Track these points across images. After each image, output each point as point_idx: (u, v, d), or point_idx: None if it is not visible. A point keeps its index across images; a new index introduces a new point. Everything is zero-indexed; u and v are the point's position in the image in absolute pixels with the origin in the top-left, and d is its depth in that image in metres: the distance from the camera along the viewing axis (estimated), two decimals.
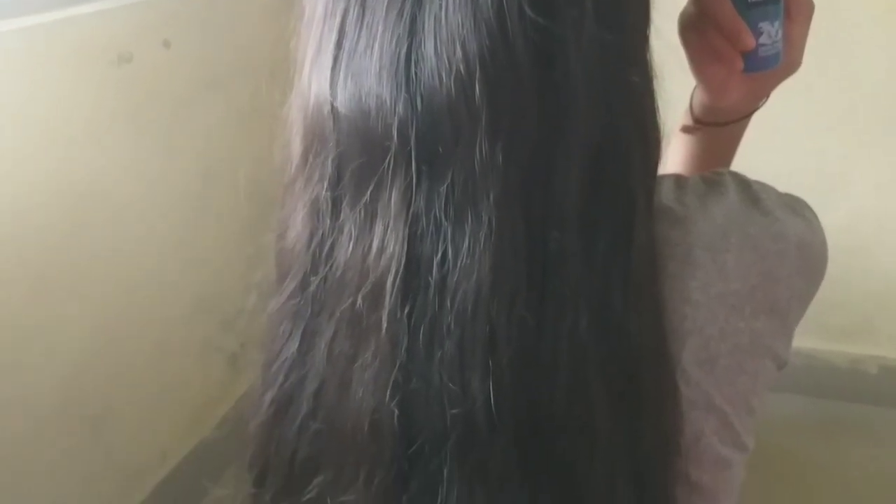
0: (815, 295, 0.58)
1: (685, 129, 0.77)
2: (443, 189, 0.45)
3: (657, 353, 0.48)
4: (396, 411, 0.46)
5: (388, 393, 0.46)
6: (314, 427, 0.51)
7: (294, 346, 0.52)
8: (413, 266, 0.46)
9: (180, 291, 1.46)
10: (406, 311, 0.46)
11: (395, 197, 0.46)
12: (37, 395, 1.19)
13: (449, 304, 0.45)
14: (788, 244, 0.53)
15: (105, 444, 1.32)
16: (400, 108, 0.45)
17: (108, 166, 1.29)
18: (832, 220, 1.65)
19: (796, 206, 0.57)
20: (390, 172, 0.46)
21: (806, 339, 1.75)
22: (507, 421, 0.45)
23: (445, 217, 0.45)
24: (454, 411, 0.45)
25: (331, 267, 0.49)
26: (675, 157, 0.78)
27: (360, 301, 0.47)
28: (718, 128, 0.73)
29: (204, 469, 1.44)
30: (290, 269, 0.53)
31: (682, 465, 0.50)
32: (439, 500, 0.47)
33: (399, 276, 0.46)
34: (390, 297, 0.46)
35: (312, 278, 0.50)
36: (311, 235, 0.50)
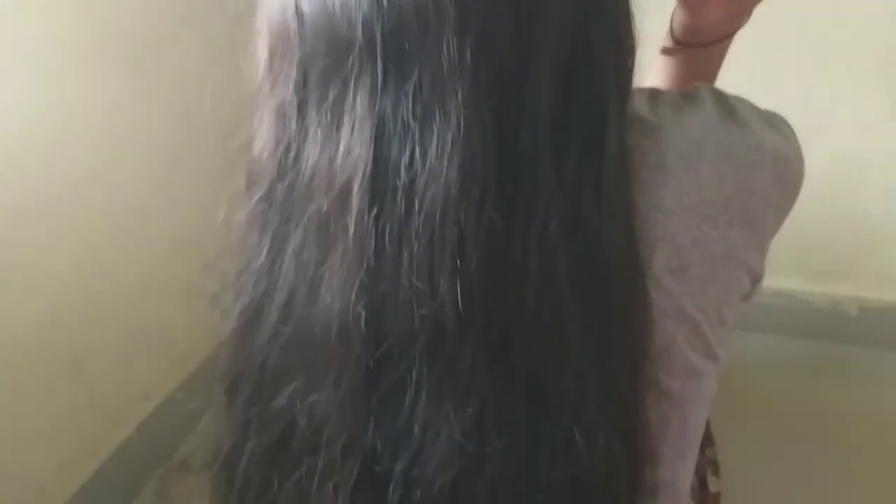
0: (790, 210, 0.58)
1: (665, 51, 0.76)
2: (410, 88, 0.44)
3: (628, 258, 0.48)
4: (364, 314, 0.46)
5: (354, 296, 0.46)
6: (284, 335, 0.51)
7: (262, 254, 0.52)
8: (380, 168, 0.45)
9: (161, 231, 1.45)
10: (373, 214, 0.46)
11: (360, 98, 0.45)
12: (15, 329, 1.18)
13: (417, 206, 0.45)
14: (764, 155, 0.53)
15: (87, 381, 1.33)
16: (365, 5, 0.44)
17: (85, 102, 1.27)
18: (817, 159, 1.65)
19: (773, 121, 0.56)
20: (356, 73, 0.45)
21: (787, 280, 1.78)
22: (475, 323, 0.45)
23: (413, 117, 0.44)
24: (423, 312, 0.45)
25: (297, 172, 0.49)
26: (655, 79, 0.77)
27: (326, 206, 0.47)
28: (699, 49, 0.72)
29: (187, 410, 1.45)
30: (258, 178, 0.52)
31: (653, 372, 0.50)
32: (407, 402, 0.47)
33: (366, 179, 0.45)
34: (357, 201, 0.46)
35: (279, 185, 0.50)
36: (278, 142, 0.49)
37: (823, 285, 1.78)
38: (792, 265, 1.77)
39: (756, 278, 0.56)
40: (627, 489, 0.49)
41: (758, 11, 0.69)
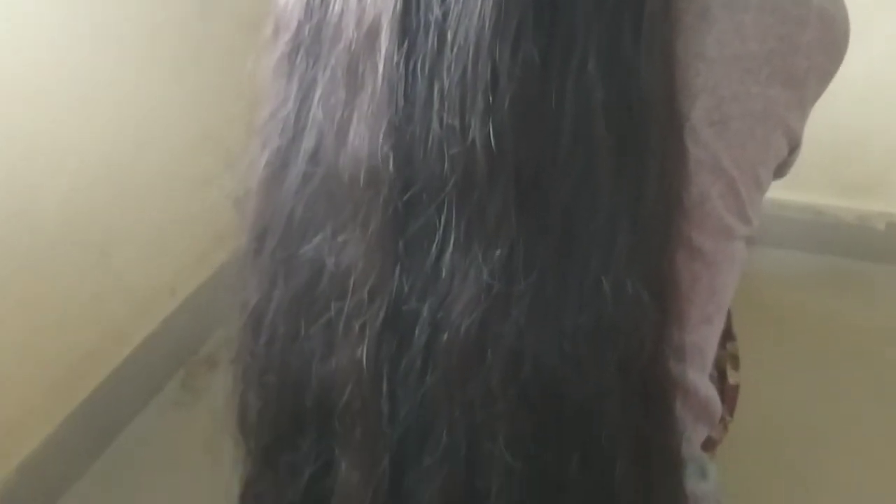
0: (834, 74, 0.56)
1: None
2: None
3: (666, 105, 0.46)
4: (392, 155, 0.45)
5: (383, 137, 0.45)
6: (312, 182, 0.50)
7: (290, 101, 0.51)
8: (411, 3, 0.44)
9: (185, 123, 1.45)
10: (403, 51, 0.44)
11: None
12: (39, 212, 1.19)
13: (449, 42, 0.43)
14: (810, 12, 0.51)
15: (113, 271, 1.34)
16: None
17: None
18: (854, 67, 1.59)
19: None
20: None
21: (814, 194, 1.75)
22: (507, 163, 0.44)
23: None
24: (453, 152, 0.44)
25: (325, 11, 0.48)
26: None
27: (355, 45, 0.46)
28: None
29: (212, 307, 1.47)
30: (285, 23, 0.51)
31: (685, 228, 0.49)
32: (435, 245, 0.47)
33: (396, 15, 0.44)
34: (387, 38, 0.45)
35: (307, 26, 0.49)
36: None
37: (851, 200, 1.75)
38: (820, 179, 1.74)
39: (794, 143, 0.54)
40: (654, 343, 0.49)
41: None
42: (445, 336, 0.47)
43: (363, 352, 0.49)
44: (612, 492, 0.51)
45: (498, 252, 0.46)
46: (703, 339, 0.57)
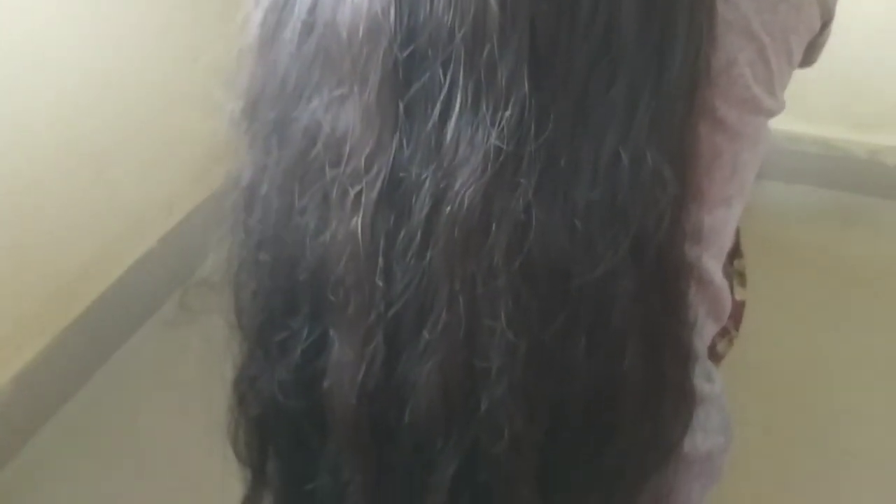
0: None
1: None
2: None
3: None
4: (394, 3, 0.42)
5: None
6: (308, 42, 0.47)
7: None
8: None
9: (178, 38, 1.40)
10: None
11: None
12: (36, 125, 1.16)
13: None
14: None
15: (110, 186, 1.32)
16: None
17: None
18: (869, 3, 1.54)
19: None
20: None
21: (825, 127, 1.71)
22: (523, 16, 0.41)
23: None
24: (463, 1, 0.41)
25: None
26: None
27: None
28: None
29: (210, 225, 1.45)
30: None
31: (710, 97, 0.47)
32: (439, 106, 0.44)
33: None
34: None
35: None
36: None
37: (863, 134, 1.72)
38: (832, 113, 1.71)
39: (827, 15, 0.51)
40: (672, 222, 0.46)
41: None
42: (448, 208, 0.45)
43: (358, 223, 0.47)
44: (620, 379, 0.49)
45: (507, 114, 0.43)
46: (720, 222, 0.55)
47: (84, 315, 1.32)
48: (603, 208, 0.45)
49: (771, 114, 0.52)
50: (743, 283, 0.98)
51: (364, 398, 0.50)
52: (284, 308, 0.55)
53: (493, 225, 0.44)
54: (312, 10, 0.47)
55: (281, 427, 0.58)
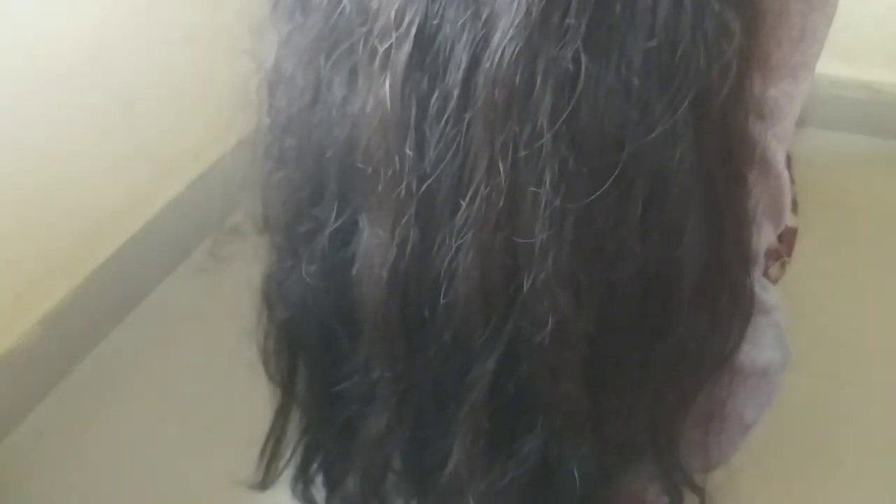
0: None
1: None
2: None
3: None
4: None
5: None
6: None
7: None
8: None
9: None
10: None
11: None
12: (59, 55, 1.13)
13: None
14: None
15: (136, 126, 1.29)
16: None
17: None
18: None
19: None
20: None
21: (873, 71, 1.63)
22: None
23: None
24: None
25: None
26: None
27: None
28: None
29: (237, 176, 1.42)
30: None
31: None
32: None
33: None
34: None
35: None
36: None
37: None
38: (879, 55, 1.63)
39: None
40: (735, 82, 0.42)
41: None
42: (487, 63, 0.41)
43: (387, 87, 0.43)
44: (676, 260, 0.45)
45: None
46: (785, 97, 0.50)
47: (113, 259, 1.30)
48: (661, 61, 0.40)
49: None
50: (794, 210, 0.93)
51: (395, 284, 0.47)
52: (311, 197, 0.51)
53: (538, 80, 0.40)
54: None
55: (309, 329, 0.55)
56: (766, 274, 0.74)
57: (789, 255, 0.87)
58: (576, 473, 0.50)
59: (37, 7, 1.09)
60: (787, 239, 0.86)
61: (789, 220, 0.91)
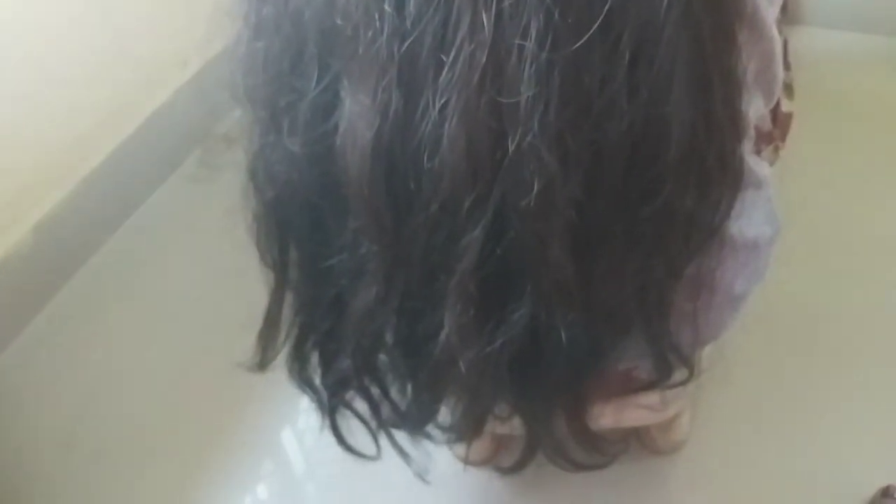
0: None
1: None
2: None
3: None
4: None
5: None
6: None
7: None
8: None
9: None
10: None
11: None
12: None
13: None
14: None
15: (118, 34, 1.26)
16: None
17: None
18: None
19: None
20: None
21: None
22: None
23: None
24: None
25: None
26: None
27: None
28: None
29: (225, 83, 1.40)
30: None
31: None
32: None
33: None
34: None
35: None
36: None
37: None
38: None
39: None
40: None
41: None
42: None
43: None
44: (664, 117, 0.44)
45: None
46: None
47: (100, 168, 1.29)
48: None
49: None
50: (790, 96, 0.92)
51: (379, 152, 0.46)
52: (291, 66, 0.50)
53: None
54: None
55: (296, 207, 0.55)
56: (758, 154, 0.74)
57: (783, 140, 0.86)
58: (564, 342, 0.51)
59: None
60: (782, 123, 0.85)
61: (785, 105, 0.90)
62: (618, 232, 0.48)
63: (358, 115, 0.46)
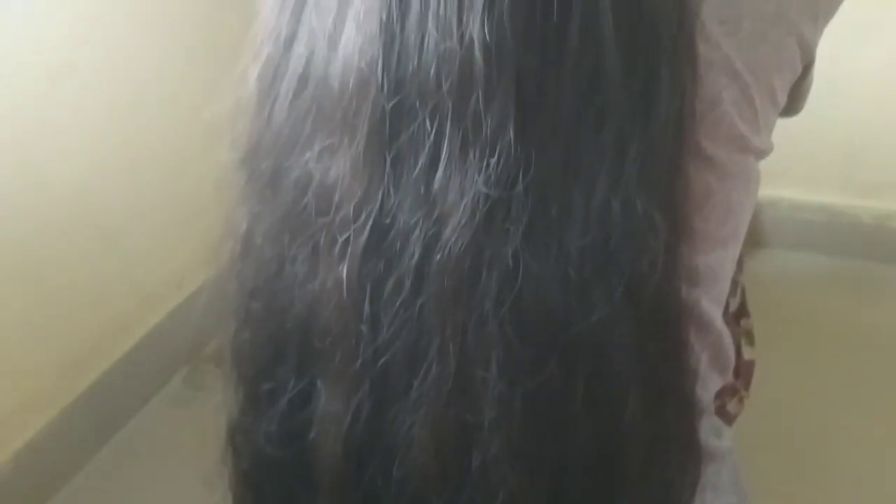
0: None
1: None
2: None
3: (674, 3, 0.44)
4: (382, 56, 0.43)
5: (373, 40, 0.43)
6: (302, 96, 0.48)
7: (286, 11, 0.49)
8: None
9: (193, 116, 1.44)
10: None
11: None
12: (49, 193, 1.18)
13: None
14: None
15: (120, 258, 1.33)
16: None
17: None
18: (868, 66, 1.56)
19: None
20: None
21: (831, 194, 1.71)
22: (508, 66, 0.42)
23: None
24: (449, 53, 0.42)
25: None
26: None
27: None
28: None
29: (222, 301, 1.45)
30: None
31: (697, 135, 0.47)
32: (426, 156, 0.44)
33: None
34: None
35: None
36: None
37: (868, 200, 1.72)
38: (836, 179, 1.72)
39: (808, 57, 0.52)
40: (665, 265, 0.46)
41: None
42: (438, 255, 0.45)
43: (344, 270, 0.46)
44: (621, 433, 0.48)
45: (494, 161, 0.43)
46: (717, 263, 0.54)
47: (89, 391, 1.31)
48: (595, 255, 0.44)
49: (760, 153, 0.53)
50: (751, 343, 0.96)
51: (351, 451, 0.49)
52: (273, 358, 0.54)
53: (483, 272, 0.44)
54: (307, 65, 0.48)
55: (269, 482, 0.57)
56: (723, 411, 0.77)
57: (747, 389, 0.89)
58: None
59: (33, 146, 1.14)
60: (745, 374, 0.89)
61: (746, 352, 0.94)
62: None
63: (331, 416, 0.49)
